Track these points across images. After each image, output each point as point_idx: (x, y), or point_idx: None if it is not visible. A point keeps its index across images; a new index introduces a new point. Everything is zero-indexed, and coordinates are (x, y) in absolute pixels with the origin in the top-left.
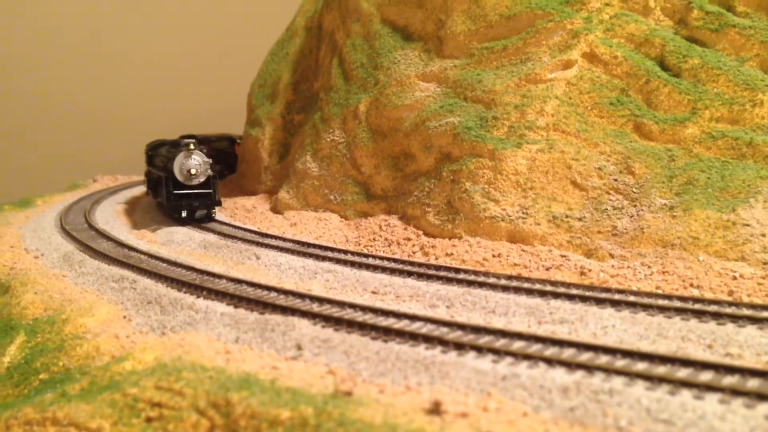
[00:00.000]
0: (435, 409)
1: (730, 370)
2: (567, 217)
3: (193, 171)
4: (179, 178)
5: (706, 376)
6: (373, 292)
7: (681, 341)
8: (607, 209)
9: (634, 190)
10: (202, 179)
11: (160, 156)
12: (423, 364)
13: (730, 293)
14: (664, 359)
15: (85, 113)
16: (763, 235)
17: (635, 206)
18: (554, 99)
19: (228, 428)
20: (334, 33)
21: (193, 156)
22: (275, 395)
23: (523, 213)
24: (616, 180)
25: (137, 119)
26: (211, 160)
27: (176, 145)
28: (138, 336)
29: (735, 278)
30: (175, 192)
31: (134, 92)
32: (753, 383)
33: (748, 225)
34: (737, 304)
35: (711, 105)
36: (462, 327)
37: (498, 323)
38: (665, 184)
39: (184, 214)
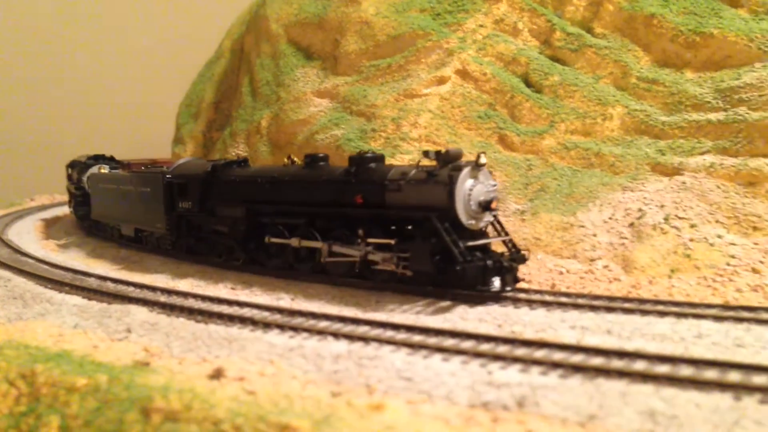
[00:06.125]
0: (216, 375)
1: (491, 339)
2: None
3: (493, 204)
4: (463, 218)
5: (466, 344)
6: (232, 288)
7: (478, 322)
8: None
9: None
10: (491, 218)
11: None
12: (228, 340)
13: (553, 286)
14: (439, 332)
15: (23, 135)
16: (594, 235)
17: None
18: (428, 112)
19: (32, 396)
20: (250, 53)
21: (482, 176)
22: (78, 367)
23: None
24: None
25: (74, 141)
26: (497, 183)
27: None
28: None
29: (561, 273)
30: (469, 245)
31: (71, 114)
32: (502, 349)
33: (583, 226)
34: (542, 292)
35: (567, 118)
36: (280, 310)
37: (331, 311)
38: (521, 191)
39: (497, 284)
